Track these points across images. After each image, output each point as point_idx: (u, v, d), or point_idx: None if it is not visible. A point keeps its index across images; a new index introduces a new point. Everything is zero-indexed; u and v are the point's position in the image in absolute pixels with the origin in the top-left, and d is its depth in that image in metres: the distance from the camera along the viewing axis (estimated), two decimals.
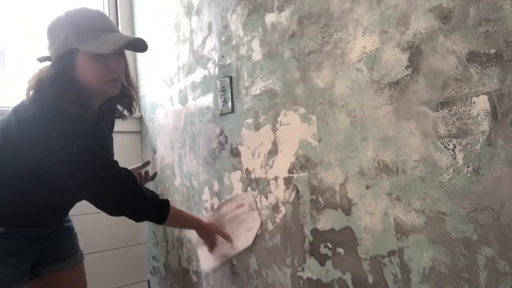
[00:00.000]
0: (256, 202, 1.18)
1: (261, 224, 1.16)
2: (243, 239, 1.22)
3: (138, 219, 1.04)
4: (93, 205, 0.98)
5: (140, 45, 1.01)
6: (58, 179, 0.93)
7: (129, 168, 1.14)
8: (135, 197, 1.00)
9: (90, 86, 0.97)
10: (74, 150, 0.89)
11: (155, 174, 1.36)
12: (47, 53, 0.98)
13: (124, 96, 1.12)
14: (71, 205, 1.13)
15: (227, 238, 1.22)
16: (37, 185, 0.96)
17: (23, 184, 0.95)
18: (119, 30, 1.03)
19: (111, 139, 1.20)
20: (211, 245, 1.25)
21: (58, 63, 0.94)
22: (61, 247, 1.16)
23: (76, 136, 0.91)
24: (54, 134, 0.89)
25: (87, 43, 0.93)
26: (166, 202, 1.08)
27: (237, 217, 1.25)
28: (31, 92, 0.94)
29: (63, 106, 0.91)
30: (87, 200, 0.99)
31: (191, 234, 1.57)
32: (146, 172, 1.33)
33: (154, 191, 1.16)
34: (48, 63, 0.97)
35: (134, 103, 1.17)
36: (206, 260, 1.34)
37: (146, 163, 1.35)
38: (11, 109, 0.99)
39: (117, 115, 1.18)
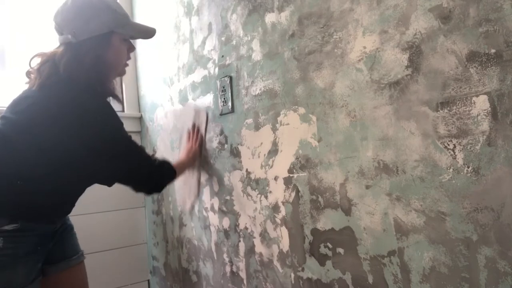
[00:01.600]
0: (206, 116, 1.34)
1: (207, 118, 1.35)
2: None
3: (160, 189, 1.16)
4: (120, 182, 1.07)
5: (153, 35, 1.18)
6: (82, 158, 0.95)
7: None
8: (153, 167, 1.10)
9: (115, 67, 1.07)
10: (108, 125, 0.96)
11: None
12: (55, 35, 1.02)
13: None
14: (81, 193, 1.13)
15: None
16: (56, 170, 0.95)
17: (40, 170, 0.93)
18: None
19: None
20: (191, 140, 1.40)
21: (96, 42, 0.99)
22: (65, 246, 1.16)
23: (106, 111, 0.96)
24: (90, 115, 0.93)
25: (126, 27, 1.05)
26: (169, 162, 1.18)
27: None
28: (41, 73, 0.95)
29: (90, 81, 0.96)
30: (107, 177, 1.06)
31: (192, 234, 1.57)
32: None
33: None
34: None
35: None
36: (183, 202, 1.47)
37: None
38: (15, 99, 0.99)
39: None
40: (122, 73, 1.14)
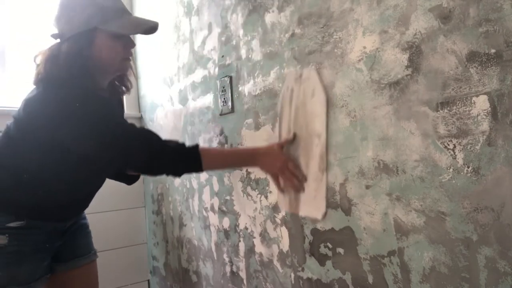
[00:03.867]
0: (300, 69, 0.97)
1: (320, 78, 0.93)
2: (318, 106, 0.95)
3: (175, 173, 0.98)
4: (122, 167, 1.03)
5: (154, 30, 1.03)
6: (79, 152, 0.92)
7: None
8: (158, 150, 0.96)
9: (107, 64, 0.99)
10: (89, 116, 0.89)
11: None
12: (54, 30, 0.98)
13: (124, 75, 1.13)
14: (91, 191, 1.11)
15: (292, 171, 0.99)
16: (59, 167, 0.94)
17: (45, 169, 0.94)
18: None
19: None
20: (284, 175, 1.01)
21: (77, 40, 0.94)
22: (77, 244, 1.15)
23: (89, 104, 0.91)
24: (72, 104, 0.89)
25: (111, 23, 0.96)
26: (194, 146, 0.98)
27: (297, 107, 1.00)
28: (42, 69, 0.94)
29: (78, 80, 0.92)
30: (110, 166, 1.01)
31: (192, 234, 1.57)
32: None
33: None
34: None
35: (130, 80, 1.18)
36: (311, 209, 0.99)
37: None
38: (12, 108, 1.00)
39: (120, 91, 1.17)
40: (121, 69, 1.05)
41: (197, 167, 0.96)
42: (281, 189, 1.05)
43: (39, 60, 0.97)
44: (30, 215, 0.94)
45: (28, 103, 0.93)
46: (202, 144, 1.45)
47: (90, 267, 1.18)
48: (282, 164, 1.00)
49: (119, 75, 1.09)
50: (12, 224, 0.91)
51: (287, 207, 1.06)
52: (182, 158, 0.96)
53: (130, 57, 1.05)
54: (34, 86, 0.96)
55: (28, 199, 0.94)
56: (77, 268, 1.14)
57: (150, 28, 1.01)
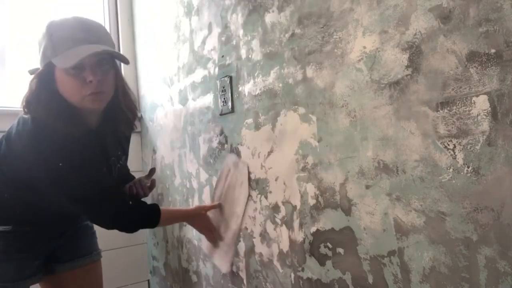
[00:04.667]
0: (238, 158, 1.20)
1: (248, 173, 1.18)
2: (242, 197, 1.23)
3: (130, 231, 1.05)
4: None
5: (117, 57, 0.94)
6: (49, 192, 0.93)
7: (137, 178, 1.22)
8: (122, 212, 1.01)
9: (71, 101, 0.90)
10: (60, 164, 0.86)
11: (154, 181, 1.31)
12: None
13: (119, 110, 1.02)
14: (75, 214, 1.12)
15: (212, 231, 1.29)
16: (34, 195, 0.96)
17: (22, 192, 0.95)
18: (107, 40, 0.93)
19: (122, 152, 1.15)
20: (207, 232, 1.30)
21: (40, 76, 0.89)
22: (77, 245, 1.15)
23: (60, 151, 0.87)
24: (39, 149, 0.86)
25: (59, 56, 0.85)
26: (156, 209, 1.10)
27: (229, 186, 1.27)
28: (23, 105, 0.91)
29: (49, 121, 0.87)
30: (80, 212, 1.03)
31: (192, 234, 1.57)
32: (152, 180, 1.30)
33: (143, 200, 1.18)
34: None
35: (132, 118, 1.08)
36: (220, 262, 1.35)
37: (153, 171, 1.30)
38: (12, 108, 1.00)
39: (121, 130, 1.10)
40: (88, 107, 0.91)
41: (152, 227, 1.12)
42: (209, 240, 1.35)
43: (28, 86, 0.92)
44: (15, 223, 0.95)
45: (17, 138, 0.92)
46: (202, 144, 1.45)
47: (91, 267, 1.18)
48: (204, 224, 1.29)
49: (113, 111, 1.00)
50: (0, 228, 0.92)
51: (208, 250, 1.39)
52: (143, 223, 1.08)
53: (94, 93, 0.89)
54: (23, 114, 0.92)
55: (11, 213, 0.95)
56: (77, 269, 1.14)
57: (89, 56, 0.85)
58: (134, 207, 1.05)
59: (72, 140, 0.89)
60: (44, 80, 0.89)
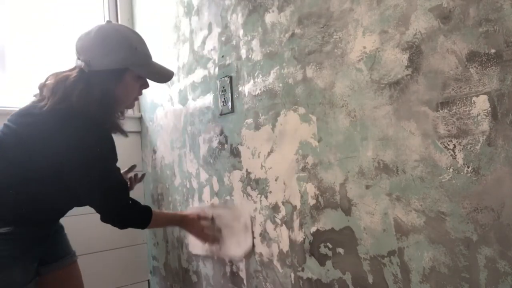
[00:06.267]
0: (252, 224, 1.20)
1: (252, 246, 1.20)
2: (233, 249, 1.28)
3: (122, 227, 1.10)
4: (92, 206, 1.05)
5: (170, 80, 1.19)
6: (68, 180, 0.97)
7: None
8: (126, 206, 1.07)
9: (122, 101, 1.07)
10: (98, 150, 0.96)
11: (143, 176, 1.38)
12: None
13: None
14: (70, 209, 1.14)
15: (202, 238, 1.31)
16: (44, 186, 0.97)
17: (33, 183, 0.95)
18: None
19: None
20: (196, 235, 1.32)
21: (108, 76, 0.99)
22: (58, 246, 1.17)
23: (100, 141, 0.98)
24: (86, 139, 0.95)
25: (141, 67, 1.05)
26: (149, 210, 1.13)
27: (231, 227, 1.30)
28: (53, 96, 0.95)
29: (98, 115, 0.96)
30: (85, 201, 1.05)
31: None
32: (135, 176, 1.36)
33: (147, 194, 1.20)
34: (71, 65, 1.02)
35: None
36: (194, 245, 1.42)
37: (133, 167, 1.37)
38: (17, 109, 1.00)
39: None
40: (130, 106, 1.18)
41: (142, 227, 1.14)
42: (205, 243, 1.35)
43: (52, 82, 0.97)
44: (15, 223, 0.95)
45: (37, 126, 0.94)
46: (202, 144, 1.45)
47: (73, 267, 1.20)
48: (197, 229, 1.30)
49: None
50: (0, 230, 0.92)
51: (205, 251, 1.40)
52: (138, 221, 1.13)
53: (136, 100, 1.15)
54: (45, 107, 0.95)
55: (12, 212, 0.95)
56: (61, 269, 1.15)
57: (169, 78, 1.16)
58: (134, 205, 1.10)
59: (109, 133, 1.01)
60: (110, 78, 1.00)
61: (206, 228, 1.32)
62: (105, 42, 0.99)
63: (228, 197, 1.32)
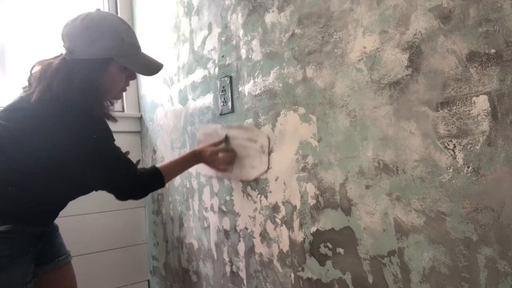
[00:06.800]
0: (269, 145, 1.13)
1: (267, 169, 1.13)
2: (244, 172, 1.23)
3: (142, 196, 1.13)
4: (103, 190, 1.07)
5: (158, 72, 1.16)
6: (72, 170, 0.97)
7: None
8: (136, 177, 1.09)
9: (108, 91, 1.06)
10: (94, 136, 0.96)
11: (138, 162, 1.37)
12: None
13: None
14: (71, 200, 1.14)
15: (216, 165, 1.27)
16: (46, 179, 0.97)
17: (31, 178, 0.95)
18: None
19: None
20: (211, 165, 1.29)
21: (92, 65, 0.98)
22: (53, 247, 1.17)
23: (93, 127, 0.97)
24: (73, 125, 0.94)
25: (126, 58, 1.03)
26: (156, 169, 1.16)
27: (245, 148, 1.23)
28: (39, 85, 0.95)
29: (90, 106, 0.96)
30: (94, 186, 1.07)
31: (192, 234, 1.57)
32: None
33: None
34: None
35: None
36: (203, 166, 1.36)
37: (137, 162, 1.37)
38: (6, 105, 1.00)
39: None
40: (116, 97, 1.14)
41: (161, 186, 1.16)
42: (219, 170, 1.31)
43: (37, 71, 0.97)
44: (14, 220, 0.95)
45: (27, 119, 0.94)
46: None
47: (68, 268, 1.20)
48: (213, 159, 1.26)
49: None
50: (0, 228, 0.92)
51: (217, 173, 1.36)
52: (153, 183, 1.15)
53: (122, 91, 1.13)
54: (33, 98, 0.95)
55: (12, 208, 0.95)
56: (57, 270, 1.16)
57: (157, 71, 1.13)
58: (142, 173, 1.12)
59: (101, 118, 1.01)
60: (94, 68, 0.98)
61: (221, 154, 1.27)
62: (90, 31, 0.97)
63: (228, 197, 1.32)
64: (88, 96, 0.97)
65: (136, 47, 1.07)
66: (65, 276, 1.19)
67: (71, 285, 1.22)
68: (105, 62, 1.00)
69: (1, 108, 1.01)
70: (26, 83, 1.02)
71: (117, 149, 1.05)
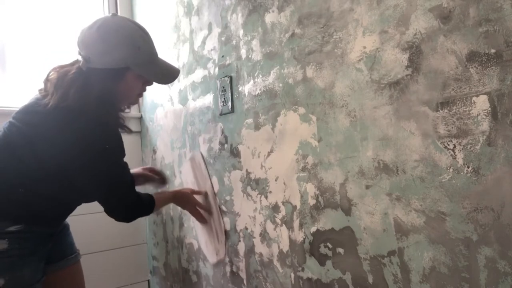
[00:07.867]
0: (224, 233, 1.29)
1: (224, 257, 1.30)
2: (208, 253, 1.42)
3: (130, 220, 1.12)
4: (102, 203, 1.07)
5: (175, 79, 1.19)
6: (75, 178, 0.98)
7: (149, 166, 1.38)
8: (133, 201, 1.10)
9: (124, 98, 1.07)
10: (107, 146, 0.97)
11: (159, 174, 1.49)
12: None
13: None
14: (79, 204, 1.15)
15: (194, 214, 1.35)
16: (53, 184, 0.98)
17: (41, 182, 0.96)
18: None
19: None
20: (189, 211, 1.35)
21: (108, 74, 0.98)
22: (64, 245, 1.18)
23: (107, 137, 0.98)
24: (92, 138, 0.95)
25: (143, 66, 1.02)
26: (152, 199, 1.17)
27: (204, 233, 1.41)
28: (56, 92, 0.95)
29: (99, 113, 0.96)
30: (93, 197, 1.07)
31: (192, 234, 1.57)
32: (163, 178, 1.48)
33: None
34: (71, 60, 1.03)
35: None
36: (210, 253, 1.42)
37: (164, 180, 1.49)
38: (12, 108, 1.00)
39: None
40: (133, 103, 1.16)
41: (147, 214, 1.19)
42: (196, 217, 1.40)
43: (54, 77, 0.97)
44: (25, 221, 0.95)
45: (43, 125, 0.95)
46: (202, 144, 1.45)
47: (77, 266, 1.21)
48: (191, 204, 1.35)
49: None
50: (11, 229, 0.92)
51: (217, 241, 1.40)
52: (146, 210, 1.16)
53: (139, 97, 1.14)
54: (49, 105, 0.95)
55: (22, 209, 0.95)
56: (66, 268, 1.16)
57: (173, 78, 1.14)
58: (139, 198, 1.12)
59: (115, 130, 1.02)
60: (110, 76, 0.98)
61: (199, 204, 1.36)
62: (106, 40, 0.96)
63: (228, 197, 1.32)
64: (104, 107, 0.97)
65: (153, 54, 1.07)
66: (74, 274, 1.20)
67: (80, 283, 1.22)
68: (121, 71, 1.00)
69: (16, 109, 1.01)
70: (42, 86, 1.02)
71: (125, 166, 1.05)
